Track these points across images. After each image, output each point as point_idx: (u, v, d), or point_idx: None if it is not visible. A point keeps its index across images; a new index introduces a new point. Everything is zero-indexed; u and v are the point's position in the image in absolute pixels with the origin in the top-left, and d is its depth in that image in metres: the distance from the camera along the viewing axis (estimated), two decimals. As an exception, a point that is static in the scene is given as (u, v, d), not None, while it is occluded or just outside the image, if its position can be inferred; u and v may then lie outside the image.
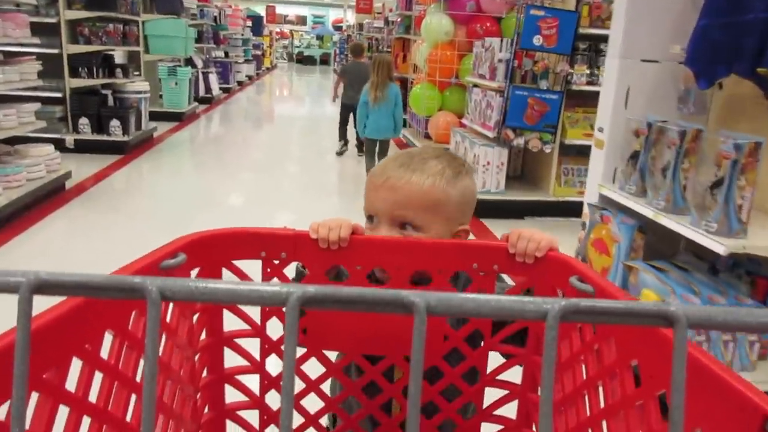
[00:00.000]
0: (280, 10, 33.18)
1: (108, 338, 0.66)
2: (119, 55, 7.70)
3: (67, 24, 5.65)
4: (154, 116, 8.17)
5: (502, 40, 4.28)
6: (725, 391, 0.52)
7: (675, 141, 2.14)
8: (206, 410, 0.96)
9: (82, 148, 5.80)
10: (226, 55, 13.82)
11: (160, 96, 8.60)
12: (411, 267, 0.92)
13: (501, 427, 1.01)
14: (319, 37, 32.93)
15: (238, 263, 0.93)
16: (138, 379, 0.70)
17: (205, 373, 0.94)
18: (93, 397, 0.62)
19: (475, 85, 4.82)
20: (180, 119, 8.38)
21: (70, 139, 5.77)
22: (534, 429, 0.97)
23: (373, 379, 0.96)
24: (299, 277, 0.99)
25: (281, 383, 0.33)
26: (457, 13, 6.25)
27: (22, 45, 4.20)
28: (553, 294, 0.90)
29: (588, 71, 4.16)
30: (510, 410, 0.99)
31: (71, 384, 0.59)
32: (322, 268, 0.94)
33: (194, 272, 0.90)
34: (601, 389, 0.74)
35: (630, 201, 2.37)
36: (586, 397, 0.77)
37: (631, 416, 0.66)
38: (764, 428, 0.47)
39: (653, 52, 2.52)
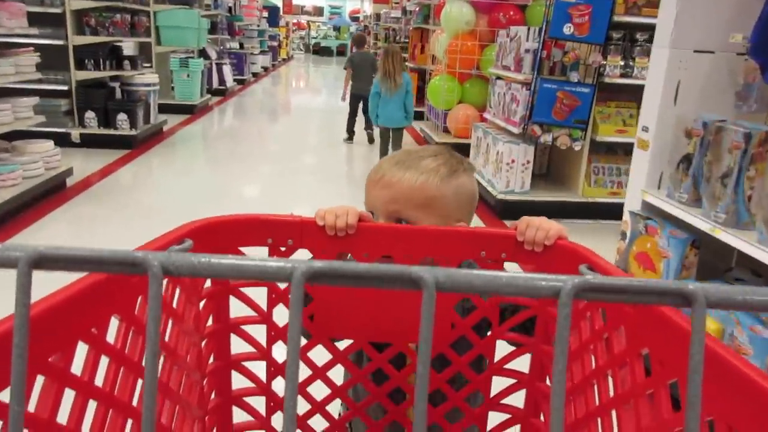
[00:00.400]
0: (298, 0, 32.91)
1: (114, 323, 0.66)
2: (129, 47, 7.51)
3: (73, 14, 5.45)
4: (166, 109, 7.97)
5: (528, 29, 3.98)
6: (738, 380, 0.52)
7: (739, 144, 1.84)
8: (213, 396, 0.96)
9: (89, 142, 5.61)
10: (241, 46, 13.60)
11: (172, 88, 8.40)
12: (418, 254, 0.91)
13: (508, 416, 1.01)
14: (336, 28, 32.64)
15: (244, 250, 0.93)
16: (144, 363, 0.62)
17: (211, 360, 0.95)
18: (99, 381, 0.62)
19: (499, 77, 4.53)
20: (192, 112, 8.18)
21: (75, 134, 5.58)
22: (542, 418, 0.96)
23: (380, 367, 0.96)
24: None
25: (286, 366, 0.32)
26: (479, 1, 5.94)
27: (18, 36, 3.99)
28: None
29: (622, 62, 3.84)
30: (517, 399, 0.99)
31: (77, 368, 0.59)
32: (329, 255, 0.93)
33: None
34: (610, 378, 0.73)
35: (681, 211, 2.09)
36: (596, 387, 0.76)
37: (641, 405, 0.66)
38: None
39: (708, 42, 2.22)
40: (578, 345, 0.82)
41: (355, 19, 31.26)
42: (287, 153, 6.49)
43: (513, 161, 3.99)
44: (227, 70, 10.83)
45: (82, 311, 0.60)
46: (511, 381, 0.98)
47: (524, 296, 0.38)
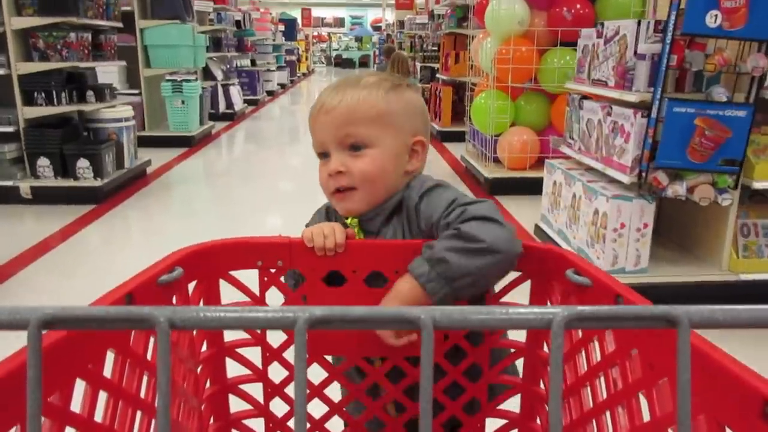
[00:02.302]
0: (317, 12, 31.96)
1: (110, 356, 0.67)
2: (109, 72, 6.36)
3: (17, 35, 4.26)
4: (158, 142, 6.79)
5: (639, 23, 2.61)
6: (725, 376, 0.52)
7: None
8: (212, 421, 0.98)
9: (43, 197, 4.40)
10: (253, 63, 12.45)
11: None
12: (407, 269, 0.90)
13: (505, 421, 1.02)
14: (358, 39, 31.60)
15: (235, 273, 0.95)
16: (142, 395, 0.71)
17: (208, 384, 0.96)
18: (99, 416, 0.63)
19: (585, 97, 3.15)
20: (189, 144, 6.96)
21: (25, 187, 4.37)
22: (538, 422, 0.97)
23: (376, 381, 0.97)
24: (295, 283, 0.98)
25: (294, 411, 0.35)
26: (535, -5, 4.59)
27: None
28: (550, 287, 0.91)
29: (792, 68, 2.44)
30: (513, 404, 1.01)
31: (76, 405, 0.60)
32: (319, 274, 0.95)
33: (192, 285, 0.91)
34: (602, 380, 0.75)
35: None
36: (588, 388, 0.78)
37: (634, 406, 0.68)
38: (764, 411, 0.47)
39: None
40: (570, 347, 0.83)
41: (377, 28, 30.16)
42: (305, 194, 5.18)
43: (623, 226, 2.61)
44: (235, 91, 9.64)
45: (78, 348, 0.61)
46: (506, 387, 1.00)
47: (518, 329, 0.39)
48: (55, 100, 4.33)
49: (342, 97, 0.95)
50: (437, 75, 8.63)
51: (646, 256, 2.65)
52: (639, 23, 2.61)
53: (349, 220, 1.01)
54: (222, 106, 9.42)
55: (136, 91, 6.81)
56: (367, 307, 0.34)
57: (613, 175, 2.71)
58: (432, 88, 8.16)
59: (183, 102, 6.87)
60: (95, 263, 3.58)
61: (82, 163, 4.35)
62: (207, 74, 9.48)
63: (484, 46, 4.93)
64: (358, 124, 0.95)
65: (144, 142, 6.77)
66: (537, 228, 3.62)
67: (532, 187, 4.63)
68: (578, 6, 4.54)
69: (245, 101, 10.92)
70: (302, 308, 0.33)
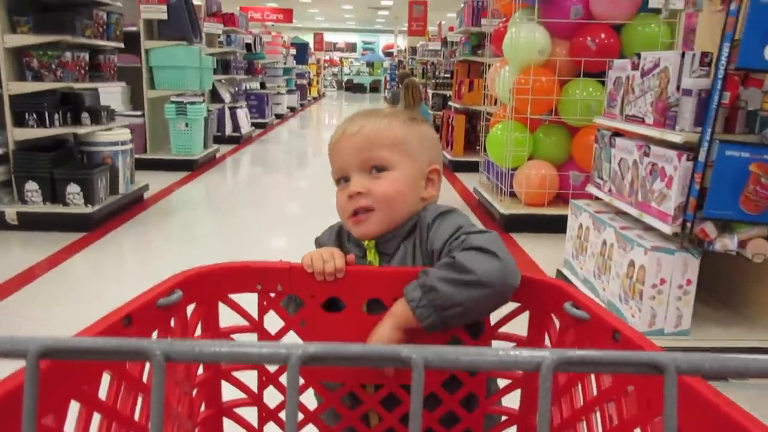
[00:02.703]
0: (329, 37, 32.11)
1: (105, 378, 0.67)
2: (112, 93, 6.16)
3: (10, 54, 4.05)
4: (160, 166, 6.56)
5: (683, 56, 2.33)
6: (724, 422, 0.52)
7: None
8: None
9: (30, 224, 4.14)
10: (263, 86, 12.30)
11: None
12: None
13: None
14: (369, 64, 31.69)
15: (234, 297, 0.95)
16: (136, 418, 0.72)
17: (203, 407, 0.95)
18: None
19: (617, 134, 2.87)
20: (192, 168, 6.72)
21: (11, 213, 4.11)
22: None
23: (370, 409, 0.97)
24: (295, 307, 0.98)
25: None
26: (556, 22, 4.35)
27: None
28: (548, 319, 0.91)
29: None
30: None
31: (70, 427, 0.60)
32: (318, 299, 0.95)
33: (190, 308, 0.91)
34: (598, 415, 0.75)
35: None
36: (584, 423, 0.78)
37: None
38: None
39: None
40: (566, 380, 0.83)
41: (388, 54, 30.22)
42: (309, 221, 4.90)
43: (663, 282, 2.30)
44: (243, 114, 9.44)
45: (73, 370, 0.61)
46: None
47: (508, 370, 0.43)
48: (47, 121, 4.09)
49: (364, 124, 1.00)
50: (450, 103, 8.40)
51: (688, 317, 2.34)
52: (683, 55, 2.33)
53: (366, 243, 1.02)
54: (229, 129, 9.22)
55: (139, 113, 6.60)
56: (361, 345, 0.35)
57: (651, 223, 2.41)
58: (444, 116, 7.92)
59: (187, 125, 6.65)
60: (82, 292, 3.31)
61: (73, 189, 4.10)
62: (214, 96, 9.31)
63: (501, 75, 4.68)
64: (379, 148, 0.98)
65: (145, 165, 6.57)
66: (559, 273, 3.31)
67: (550, 225, 4.34)
68: (603, 36, 4.29)
69: (253, 124, 10.74)
70: (296, 345, 0.34)
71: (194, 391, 0.91)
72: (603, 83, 4.32)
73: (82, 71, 4.28)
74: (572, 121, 4.41)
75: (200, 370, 0.93)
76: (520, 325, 0.97)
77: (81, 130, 4.30)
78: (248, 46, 11.36)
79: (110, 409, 0.67)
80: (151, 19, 6.46)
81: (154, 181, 6.05)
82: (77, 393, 0.61)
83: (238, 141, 9.30)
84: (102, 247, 4.04)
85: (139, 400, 0.73)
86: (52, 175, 4.11)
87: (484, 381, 0.97)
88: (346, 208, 1.00)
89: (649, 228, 2.48)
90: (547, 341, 0.94)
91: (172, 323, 0.86)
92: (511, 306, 0.94)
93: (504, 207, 4.50)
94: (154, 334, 0.82)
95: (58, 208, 4.16)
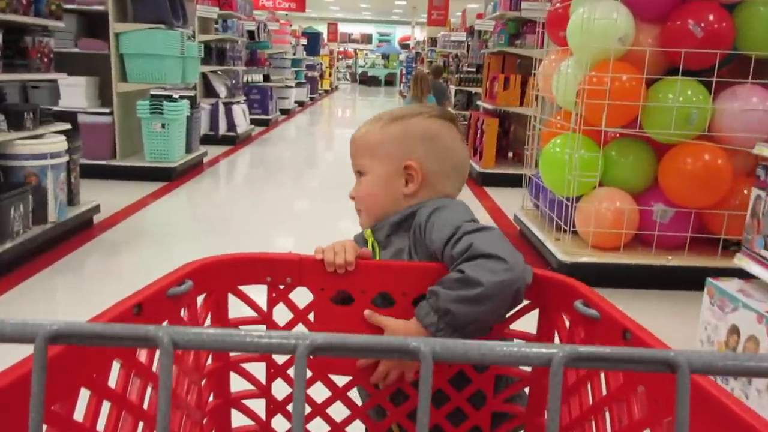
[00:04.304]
0: (344, 28, 30.92)
1: (115, 366, 0.68)
2: (71, 86, 5.04)
3: None
4: (131, 175, 5.45)
5: None
6: (733, 422, 0.52)
7: None
8: None
9: None
10: (267, 78, 11.15)
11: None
12: (415, 291, 0.93)
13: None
14: (385, 56, 30.49)
15: (244, 288, 0.96)
16: (145, 406, 0.72)
17: (211, 398, 0.96)
18: (101, 425, 0.64)
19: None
20: (168, 178, 5.59)
21: None
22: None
23: (378, 403, 0.98)
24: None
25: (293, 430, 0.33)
26: (645, 2, 3.14)
27: None
28: (558, 317, 0.92)
29: None
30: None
31: (79, 414, 0.61)
32: (328, 292, 0.97)
33: (200, 298, 0.92)
34: (608, 414, 0.75)
35: None
36: (593, 422, 0.78)
37: None
38: None
39: None
40: (576, 380, 0.83)
41: (405, 46, 28.99)
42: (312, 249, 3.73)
43: None
44: (239, 110, 8.29)
45: (83, 358, 0.61)
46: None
47: (518, 365, 0.40)
48: (-58, 126, 2.97)
49: (359, 132, 1.10)
50: (478, 102, 7.19)
51: None
52: None
53: (366, 232, 1.08)
54: (223, 128, 8.09)
55: (107, 110, 5.48)
56: (368, 336, 0.34)
57: None
58: (472, 118, 6.72)
59: (163, 125, 5.51)
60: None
61: (-26, 221, 2.97)
62: (208, 90, 8.19)
63: (562, 71, 3.48)
64: (360, 155, 1.08)
65: (113, 174, 5.47)
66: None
67: (627, 280, 3.18)
68: (711, 17, 3.08)
69: (254, 121, 9.61)
70: (303, 334, 0.34)
71: (203, 382, 0.91)
72: (708, 85, 3.12)
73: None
74: (662, 136, 3.20)
75: (209, 361, 0.93)
76: (529, 323, 0.97)
77: (-9, 139, 3.17)
78: (251, 34, 10.21)
79: (119, 398, 0.68)
80: (121, -4, 5.32)
81: (118, 197, 4.93)
82: (87, 381, 0.62)
83: (234, 141, 8.17)
84: (11, 301, 2.91)
85: (149, 389, 0.73)
86: (-53, 200, 2.98)
87: (492, 379, 0.96)
88: None
89: None
90: (556, 339, 0.92)
91: (182, 313, 0.87)
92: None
93: (563, 251, 3.31)
94: (164, 324, 0.79)
95: (-44, 246, 3.04)
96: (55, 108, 5.23)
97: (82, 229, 3.91)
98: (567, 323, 0.90)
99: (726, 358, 0.33)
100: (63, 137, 3.48)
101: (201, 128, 7.44)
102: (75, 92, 5.33)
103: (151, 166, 5.57)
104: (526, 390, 1.00)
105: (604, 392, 0.76)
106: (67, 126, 3.73)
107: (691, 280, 3.25)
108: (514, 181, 5.09)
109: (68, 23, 5.33)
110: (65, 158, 3.49)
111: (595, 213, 3.25)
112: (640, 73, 3.16)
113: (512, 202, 4.81)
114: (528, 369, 0.96)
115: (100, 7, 5.31)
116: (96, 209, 4.07)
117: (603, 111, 3.12)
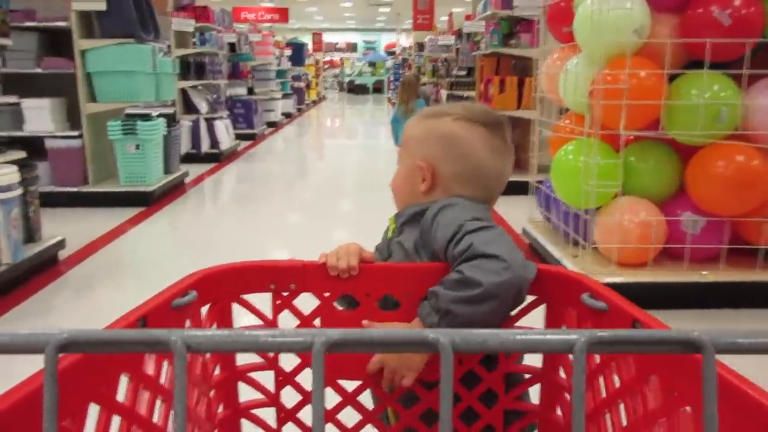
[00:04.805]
0: (329, 38, 30.65)
1: (123, 380, 0.68)
2: (36, 109, 4.68)
3: None
4: (106, 202, 5.07)
5: None
6: (749, 407, 0.50)
7: None
8: None
9: None
10: (250, 91, 10.78)
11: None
12: (420, 292, 0.93)
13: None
14: (371, 64, 30.19)
15: (248, 297, 0.97)
16: (155, 419, 0.72)
17: (220, 409, 0.97)
18: None
19: None
20: (146, 202, 5.20)
21: None
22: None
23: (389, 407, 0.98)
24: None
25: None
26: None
27: None
28: (566, 311, 0.93)
29: None
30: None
31: (90, 429, 0.61)
32: (332, 297, 0.97)
33: (205, 308, 0.93)
34: (622, 406, 0.75)
35: None
36: (608, 416, 0.78)
37: None
38: None
39: None
40: (588, 373, 0.82)
41: (391, 53, 28.73)
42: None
43: None
44: (221, 126, 7.92)
45: (91, 372, 0.61)
46: (523, 413, 0.98)
47: (538, 352, 0.38)
48: None
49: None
50: (473, 103, 6.86)
51: None
52: None
53: (391, 217, 1.11)
54: (205, 145, 7.71)
55: (76, 133, 5.09)
56: (385, 330, 0.34)
57: None
58: (467, 123, 6.38)
59: (138, 146, 5.13)
60: None
61: None
62: (189, 106, 7.81)
63: (570, 70, 3.13)
64: (401, 145, 1.12)
65: (86, 201, 5.09)
66: None
67: (659, 300, 2.81)
68: (738, 2, 2.73)
69: (239, 136, 9.24)
70: (319, 331, 0.33)
71: (211, 393, 0.92)
72: (737, 78, 2.78)
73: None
74: (687, 138, 2.85)
75: (216, 371, 0.94)
76: (536, 320, 0.97)
77: None
78: (232, 47, 9.85)
79: (129, 411, 0.67)
80: (86, 10, 4.95)
81: (91, 227, 4.55)
82: (96, 395, 0.62)
83: (218, 159, 7.79)
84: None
85: (158, 402, 0.73)
86: None
87: (502, 376, 0.96)
88: None
89: None
90: None
91: (187, 324, 0.87)
92: (528, 299, 0.95)
93: (585, 271, 2.94)
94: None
95: None
96: (19, 133, 4.93)
97: (45, 268, 3.52)
98: (575, 317, 0.91)
99: (749, 335, 0.32)
100: (14, 168, 3.09)
101: (182, 147, 7.07)
102: (40, 115, 4.95)
103: (127, 190, 5.17)
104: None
105: (618, 384, 0.77)
106: (22, 154, 3.33)
107: (729, 297, 2.90)
108: (517, 189, 4.67)
109: (29, 42, 4.97)
110: (18, 191, 3.10)
111: (618, 227, 2.89)
112: (658, 68, 2.81)
113: (517, 212, 4.42)
114: (538, 366, 0.98)
115: (63, 23, 4.94)
116: (60, 244, 3.67)
117: (621, 112, 2.77)
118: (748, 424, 0.49)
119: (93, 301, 3.27)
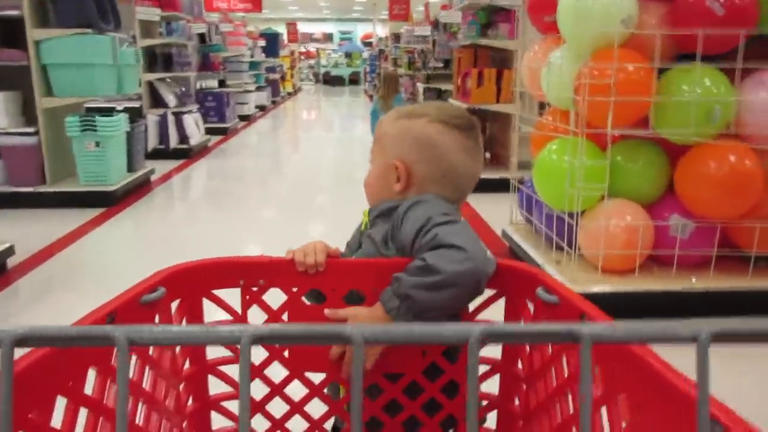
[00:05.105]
0: (304, 28, 30.16)
1: (91, 374, 0.71)
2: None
3: None
4: (65, 203, 4.78)
5: None
6: (678, 397, 0.56)
7: None
8: None
9: None
10: (222, 83, 10.45)
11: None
12: (383, 287, 0.95)
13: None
14: (348, 55, 29.80)
15: (218, 292, 0.99)
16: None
17: (190, 402, 0.99)
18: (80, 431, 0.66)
19: None
20: (107, 203, 4.92)
21: None
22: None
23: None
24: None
25: (239, 425, 0.36)
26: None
27: None
28: (523, 304, 0.97)
29: None
30: (490, 418, 1.07)
31: (57, 421, 0.63)
32: (300, 292, 1.00)
33: (175, 304, 0.95)
34: (570, 396, 0.81)
35: None
36: (558, 405, 0.83)
37: (596, 419, 0.72)
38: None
39: None
40: (541, 364, 0.90)
41: (367, 44, 28.38)
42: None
43: None
44: (191, 120, 7.62)
45: (59, 366, 0.64)
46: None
47: (441, 344, 0.44)
48: None
49: (382, 119, 1.14)
50: (449, 100, 6.66)
51: None
52: None
53: (365, 211, 1.14)
54: (174, 140, 7.40)
55: (32, 129, 4.79)
56: (305, 325, 0.36)
57: None
58: (444, 118, 6.18)
59: (98, 143, 4.84)
60: None
61: None
62: (156, 100, 7.49)
63: (553, 63, 2.94)
64: (374, 142, 1.13)
65: (44, 202, 4.80)
66: None
67: (647, 309, 2.67)
68: (731, -8, 2.57)
69: (210, 131, 8.94)
70: (246, 326, 0.35)
71: (181, 386, 0.94)
72: (730, 72, 2.63)
73: None
74: (677, 137, 2.70)
75: (187, 365, 0.96)
76: (497, 313, 1.01)
77: None
78: (202, 37, 9.52)
79: (96, 404, 0.69)
80: (39, -2, 4.63)
81: (48, 229, 4.27)
82: (63, 389, 0.64)
83: (188, 154, 7.49)
84: None
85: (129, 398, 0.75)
86: None
87: (464, 368, 0.97)
88: None
89: None
90: None
91: (156, 320, 0.88)
92: (488, 293, 0.99)
93: (569, 279, 2.76)
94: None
95: None
96: (-33, 131, 4.61)
97: (-7, 278, 3.25)
98: (532, 310, 0.95)
99: (625, 328, 0.35)
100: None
101: (149, 142, 6.78)
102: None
103: (87, 190, 4.88)
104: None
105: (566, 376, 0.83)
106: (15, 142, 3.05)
107: (719, 304, 2.76)
108: (496, 186, 4.51)
109: (-23, 32, 4.64)
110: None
111: (605, 232, 2.72)
112: (646, 61, 2.65)
113: (496, 211, 4.25)
114: (498, 358, 1.03)
115: (15, 12, 4.62)
116: (9, 251, 3.40)
117: (608, 109, 2.60)
118: (673, 412, 0.56)
119: (50, 309, 3.02)
